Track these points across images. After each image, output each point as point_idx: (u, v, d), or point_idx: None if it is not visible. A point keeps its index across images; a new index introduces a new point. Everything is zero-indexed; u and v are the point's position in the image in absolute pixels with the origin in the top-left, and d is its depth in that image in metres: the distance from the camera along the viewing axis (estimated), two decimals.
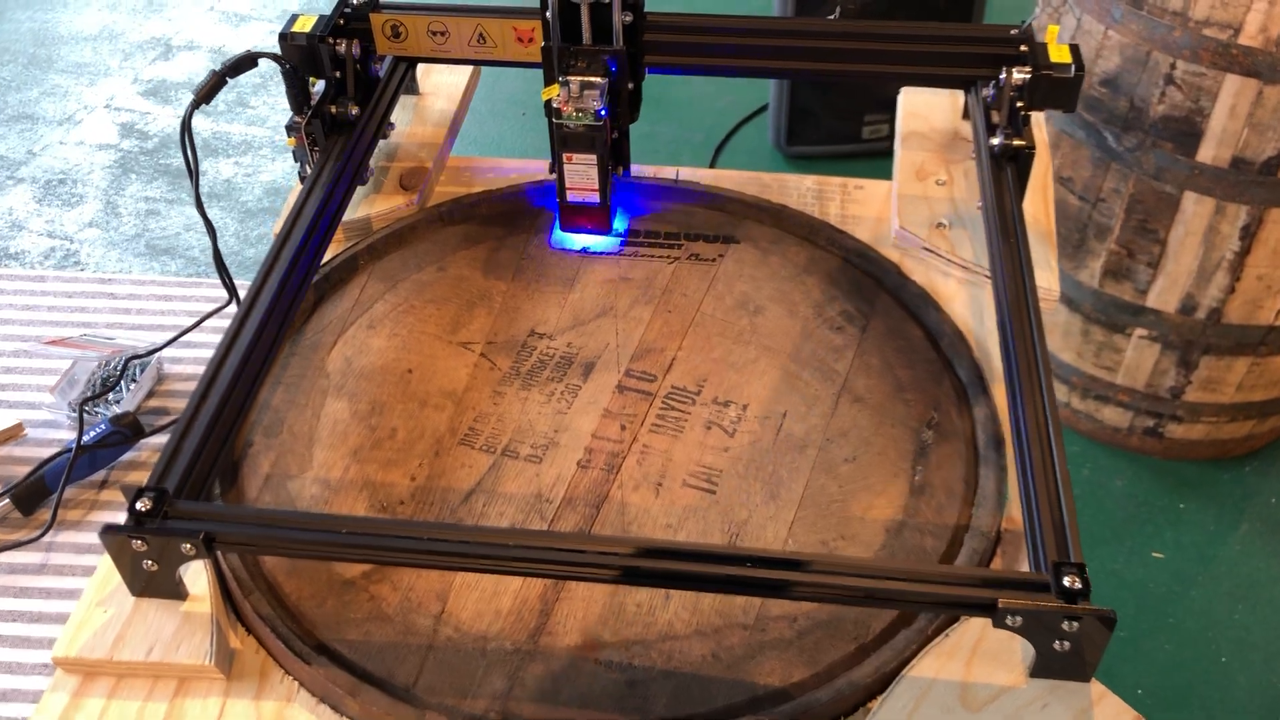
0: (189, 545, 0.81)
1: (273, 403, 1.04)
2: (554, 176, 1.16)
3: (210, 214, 2.68)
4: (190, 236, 2.57)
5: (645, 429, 1.00)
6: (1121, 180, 1.87)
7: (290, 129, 1.16)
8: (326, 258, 1.15)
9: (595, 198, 1.16)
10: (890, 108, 2.79)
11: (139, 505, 0.82)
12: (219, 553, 0.87)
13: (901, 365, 1.05)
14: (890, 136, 2.92)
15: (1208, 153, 1.74)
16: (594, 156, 1.13)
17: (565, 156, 1.13)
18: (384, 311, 1.12)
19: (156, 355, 1.53)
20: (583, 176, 1.15)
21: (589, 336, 1.09)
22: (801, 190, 1.25)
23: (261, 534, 0.82)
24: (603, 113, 1.09)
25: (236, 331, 0.98)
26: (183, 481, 0.85)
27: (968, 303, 1.11)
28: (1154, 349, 2.02)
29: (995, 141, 1.10)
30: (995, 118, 1.14)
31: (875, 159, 2.86)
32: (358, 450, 1.00)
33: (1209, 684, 1.82)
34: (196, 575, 0.87)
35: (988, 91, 1.15)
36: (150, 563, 0.82)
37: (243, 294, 1.02)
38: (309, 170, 1.17)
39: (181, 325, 1.27)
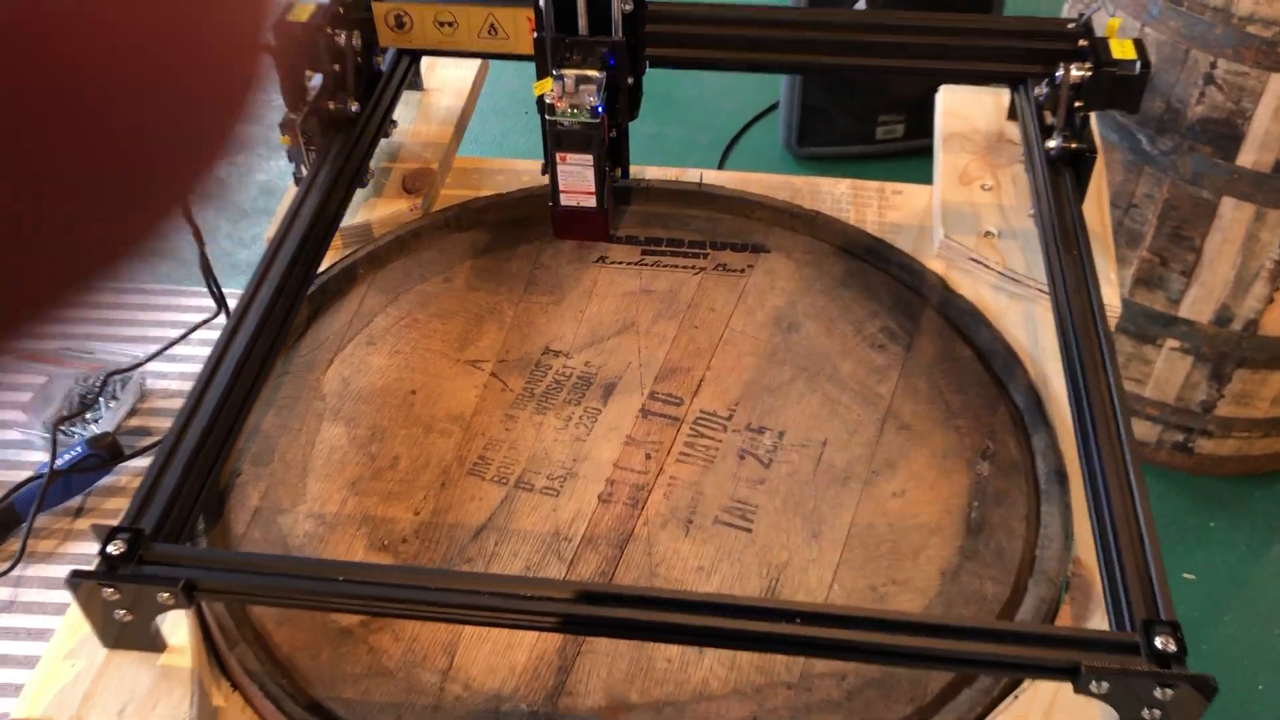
0: (167, 594, 0.71)
1: (263, 427, 0.95)
2: (547, 179, 1.07)
3: (203, 215, 2.60)
4: (186, 234, 2.48)
5: (672, 458, 0.91)
6: (1155, 185, 1.78)
7: (284, 127, 1.07)
8: (323, 267, 1.06)
9: (591, 202, 1.07)
10: (905, 108, 2.71)
11: (111, 548, 0.72)
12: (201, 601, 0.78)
13: (951, 389, 0.97)
14: (905, 138, 2.84)
15: (1248, 157, 1.66)
16: (589, 157, 1.04)
17: (559, 157, 1.04)
18: (385, 326, 1.03)
19: (139, 370, 1.42)
20: (577, 179, 1.06)
21: (609, 355, 1.00)
22: (835, 195, 1.16)
23: (248, 582, 0.73)
24: (599, 109, 1.00)
25: (224, 348, 0.89)
26: (161, 520, 0.76)
27: (1020, 319, 1.02)
28: (1185, 361, 1.94)
29: (1052, 145, 1.01)
30: (1048, 118, 1.05)
31: (889, 160, 2.77)
32: (356, 481, 0.90)
33: (1246, 713, 1.74)
34: (176, 624, 0.78)
35: (1040, 90, 1.07)
36: (124, 612, 0.73)
37: (233, 304, 0.92)
38: (304, 171, 1.08)
39: (168, 337, 1.18)
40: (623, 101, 1.06)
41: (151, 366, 1.35)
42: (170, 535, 0.76)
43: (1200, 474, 2.09)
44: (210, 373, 0.87)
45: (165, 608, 0.73)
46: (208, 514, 0.88)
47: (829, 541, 0.85)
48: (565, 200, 1.07)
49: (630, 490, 0.89)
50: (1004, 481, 0.90)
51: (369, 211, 1.12)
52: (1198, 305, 1.85)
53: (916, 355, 0.99)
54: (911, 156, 2.72)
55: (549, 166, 1.05)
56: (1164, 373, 1.96)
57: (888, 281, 1.06)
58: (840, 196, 1.16)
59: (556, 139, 1.03)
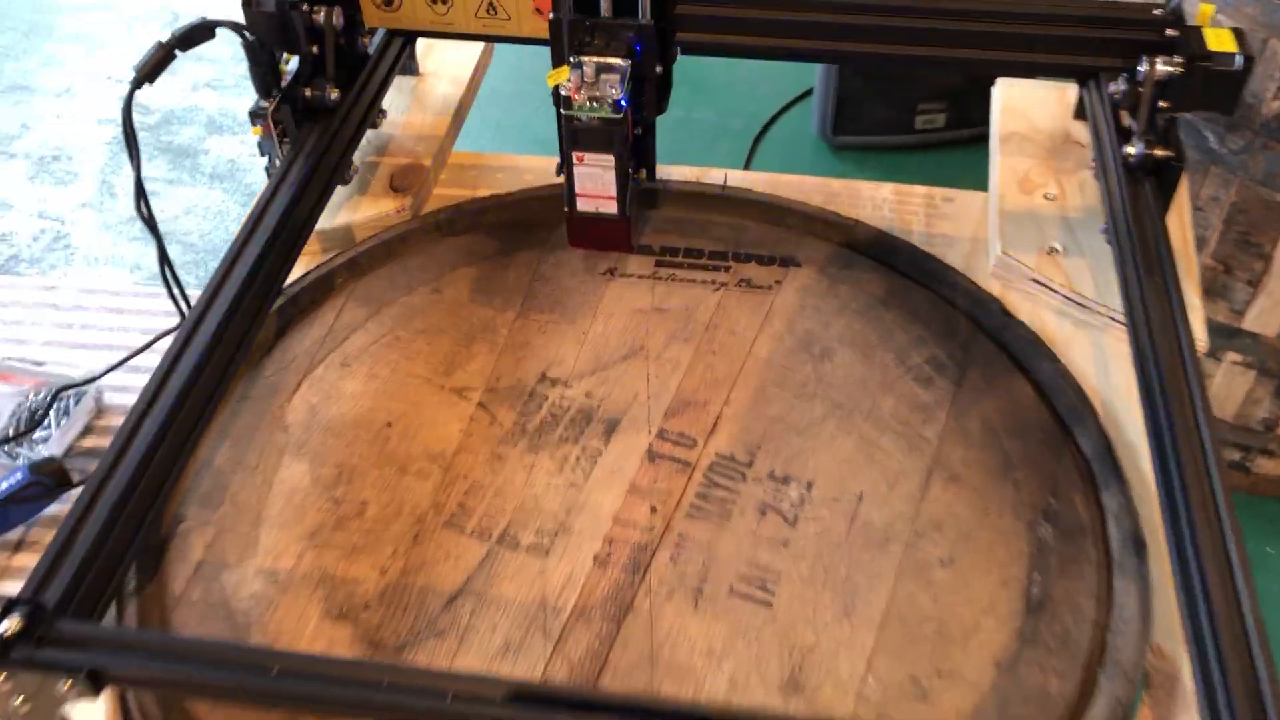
0: (69, 683, 0.60)
1: (215, 463, 0.83)
2: (562, 180, 0.94)
3: (213, 197, 2.49)
4: (190, 220, 2.37)
5: (682, 513, 0.79)
6: (1222, 186, 1.63)
7: (254, 116, 0.95)
8: (295, 275, 0.94)
9: (612, 207, 0.94)
10: (947, 96, 2.56)
11: (5, 627, 0.61)
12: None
13: (1008, 432, 0.83)
14: (946, 128, 2.68)
15: None
16: (610, 157, 0.91)
17: (575, 156, 0.92)
18: (362, 345, 0.91)
19: (94, 385, 1.28)
20: (596, 181, 0.93)
21: (613, 384, 0.87)
22: (877, 201, 1.02)
23: (166, 671, 0.61)
24: (623, 103, 0.87)
25: (167, 372, 0.77)
26: (70, 590, 0.64)
27: (1089, 351, 0.89)
28: (1248, 376, 1.80)
29: (1132, 150, 0.87)
30: (1125, 119, 0.92)
31: (929, 152, 2.62)
32: (316, 531, 0.78)
33: None
34: (93, 708, 0.66)
35: (1116, 86, 0.92)
36: (20, 702, 0.61)
37: None
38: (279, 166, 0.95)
39: (133, 345, 1.06)
40: (649, 93, 0.93)
41: (110, 380, 1.22)
42: (83, 608, 0.64)
43: (1258, 494, 1.95)
44: (148, 402, 0.75)
45: (67, 699, 0.61)
46: (143, 568, 0.76)
47: (863, 620, 0.73)
48: (582, 205, 0.95)
49: (632, 551, 0.76)
50: (1070, 548, 0.76)
51: (351, 212, 1.00)
52: (1264, 317, 1.70)
53: (968, 391, 0.86)
54: (953, 148, 2.57)
55: (564, 166, 0.93)
56: (1223, 388, 1.82)
57: (936, 303, 0.93)
58: (883, 202, 1.02)
59: (573, 136, 0.90)
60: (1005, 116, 1.07)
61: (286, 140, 0.95)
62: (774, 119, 2.71)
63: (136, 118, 0.94)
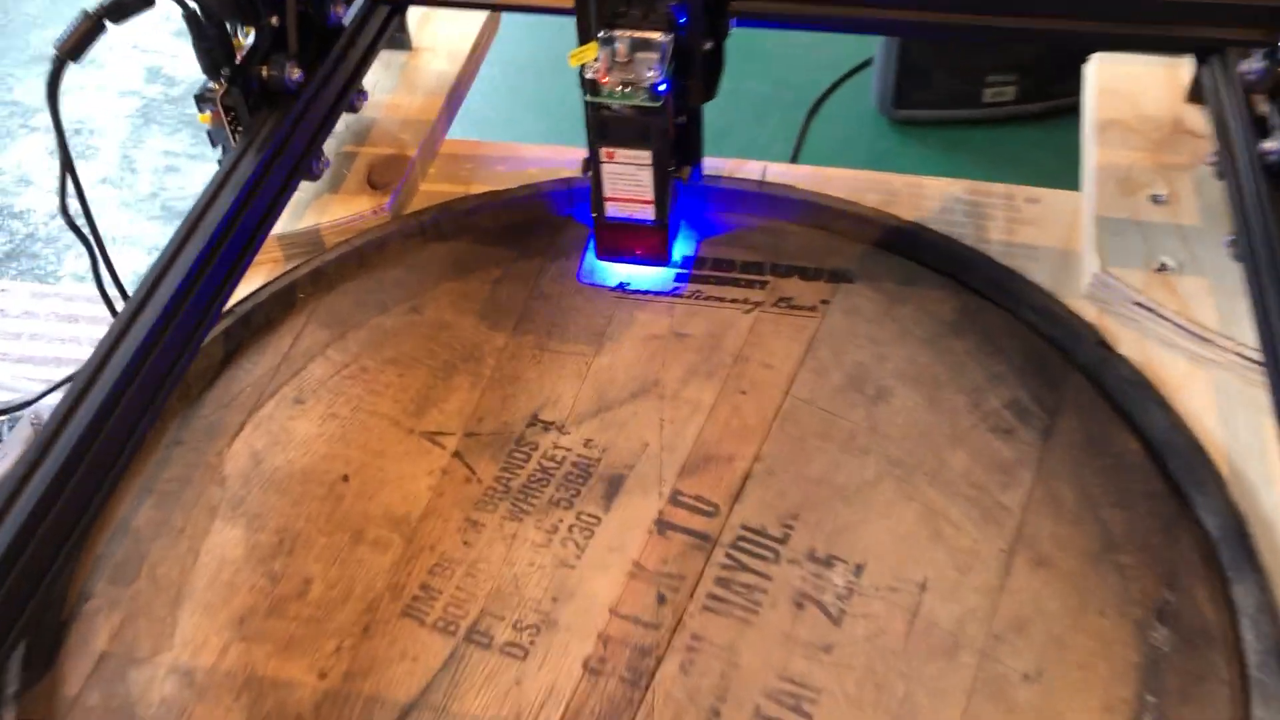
0: None
1: (135, 525, 0.69)
2: (589, 179, 0.79)
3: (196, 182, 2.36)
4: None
5: (697, 604, 0.63)
6: None
7: (201, 101, 0.80)
8: (249, 288, 0.80)
9: (648, 214, 0.78)
10: (1018, 67, 2.34)
11: None
12: None
13: (1110, 501, 0.66)
14: (1016, 101, 2.47)
15: None
16: (647, 153, 0.75)
17: (604, 153, 0.76)
18: (321, 377, 0.76)
19: (31, 409, 1.12)
20: (630, 182, 0.77)
21: (618, 430, 0.72)
22: (946, 202, 0.85)
23: None
24: (663, 88, 0.71)
25: (71, 408, 0.62)
26: None
27: (1210, 396, 0.71)
28: None
29: (1272, 146, 0.70)
30: (1259, 105, 0.74)
31: (997, 127, 2.41)
32: (247, 616, 0.64)
33: None
34: None
35: (1250, 65, 0.74)
36: None
37: None
38: None
39: (83, 359, 0.93)
40: (696, 75, 0.77)
41: (51, 402, 1.07)
42: None
43: None
44: (40, 451, 0.60)
45: None
46: (30, 661, 0.62)
47: None
48: (613, 210, 0.79)
49: (632, 655, 0.61)
50: (1192, 661, 0.60)
51: (320, 213, 0.85)
52: None
53: (1059, 446, 0.69)
54: (1024, 123, 2.37)
55: (591, 164, 0.77)
56: None
57: (1017, 331, 0.76)
58: (953, 203, 0.85)
59: (602, 127, 0.74)
60: (1102, 100, 0.89)
61: (239, 129, 0.80)
62: (831, 90, 2.52)
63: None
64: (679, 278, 0.81)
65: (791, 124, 2.46)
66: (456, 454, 0.71)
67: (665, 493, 0.68)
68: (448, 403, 0.74)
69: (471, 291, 0.81)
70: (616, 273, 0.82)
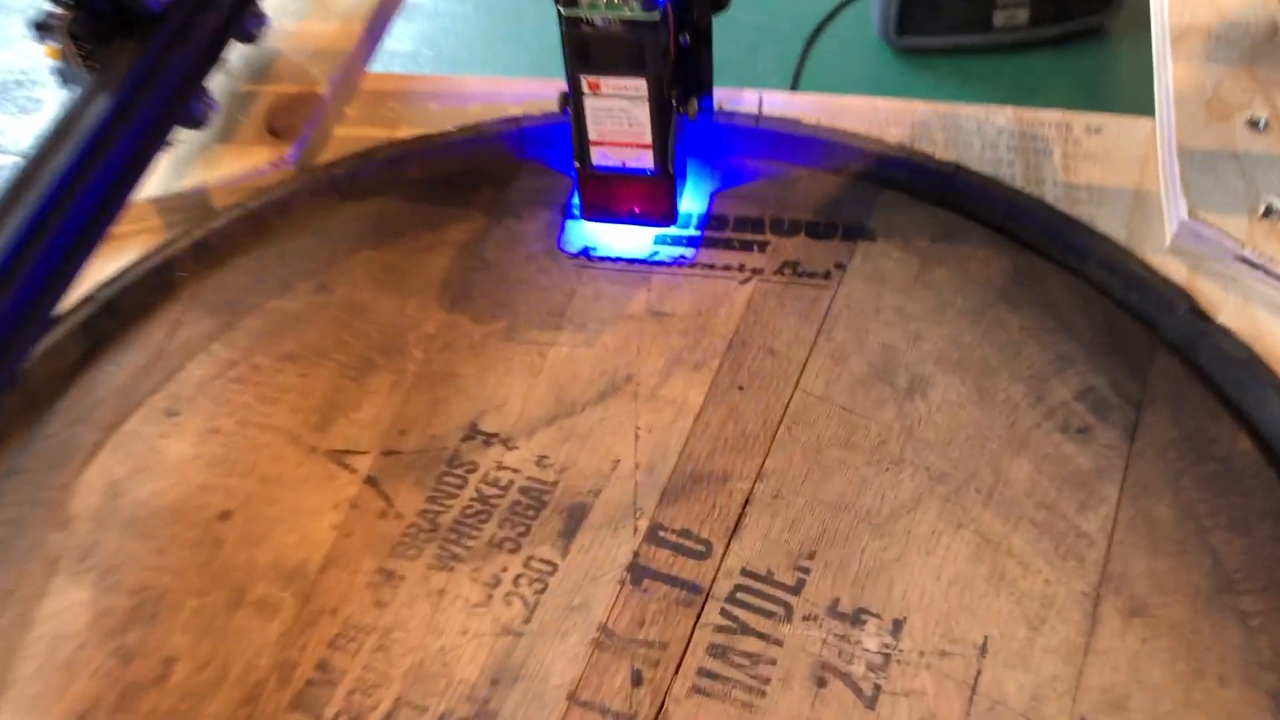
0: None
1: None
2: (567, 119, 0.62)
3: None
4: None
5: (684, 684, 0.47)
6: None
7: (42, 29, 0.63)
8: (116, 266, 0.63)
9: (645, 160, 0.62)
10: None
11: None
12: None
13: (1220, 522, 0.51)
14: (1031, 25, 2.28)
15: None
16: (642, 82, 0.58)
17: (587, 83, 0.59)
18: (202, 380, 0.60)
19: None
20: (621, 121, 0.60)
21: (581, 443, 0.56)
22: (987, 134, 0.68)
23: None
24: None
25: None
26: None
27: None
28: None
29: None
30: None
31: (1009, 54, 2.23)
32: (87, 713, 0.48)
33: None
34: None
35: None
36: None
37: None
38: None
39: None
40: None
41: None
42: None
43: None
44: None
45: None
46: None
47: None
48: (601, 158, 0.62)
49: None
50: None
51: (207, 169, 0.68)
52: None
53: (1149, 449, 0.53)
54: (1038, 50, 2.18)
55: (571, 98, 0.60)
56: None
57: (1087, 298, 0.60)
58: (996, 135, 0.68)
59: (582, 49, 0.57)
60: (1176, 2, 0.72)
61: (94, 66, 0.63)
62: (829, 18, 2.33)
63: None
64: (666, 240, 0.65)
65: (787, 56, 2.27)
66: (370, 479, 0.55)
67: (642, 527, 0.52)
68: (361, 411, 0.58)
69: (396, 263, 0.65)
70: (585, 234, 0.65)
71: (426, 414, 0.57)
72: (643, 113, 0.60)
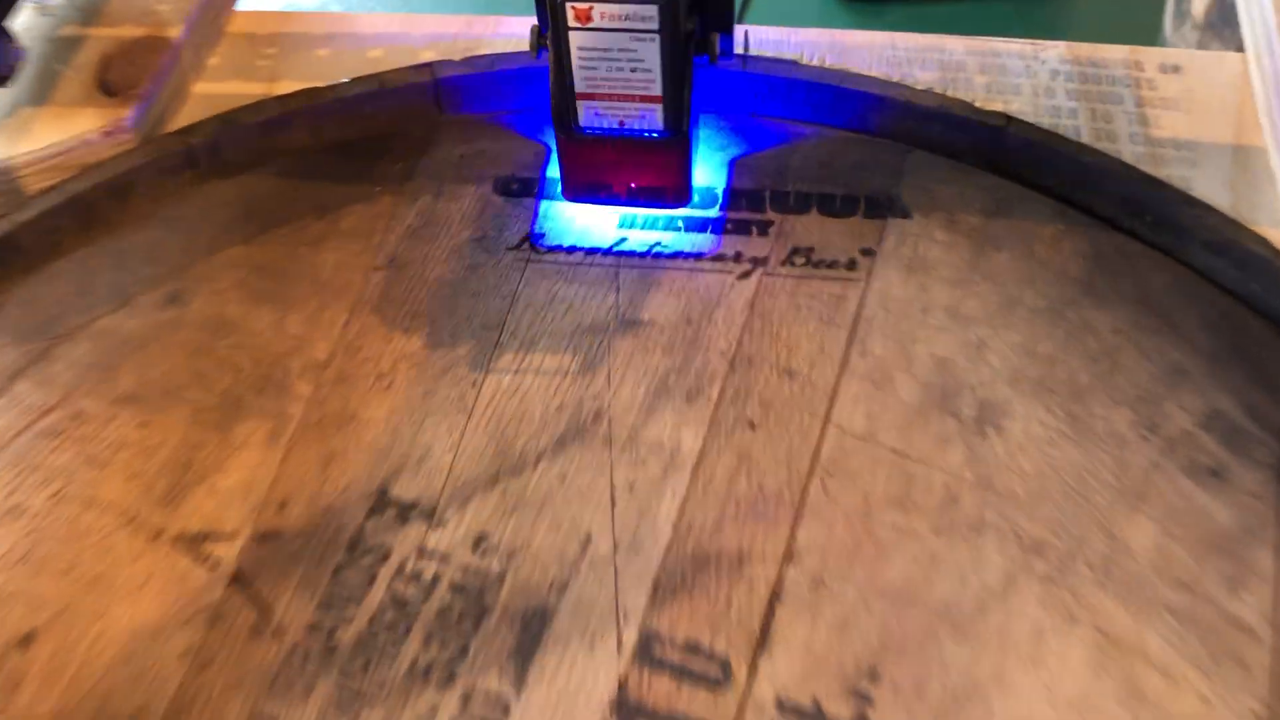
0: None
1: None
2: (543, 62, 0.45)
3: None
4: None
5: None
6: None
7: None
8: None
9: (653, 119, 0.45)
10: None
11: None
12: None
13: None
14: None
15: None
16: (653, 8, 0.42)
17: (574, 10, 0.42)
18: (3, 433, 0.43)
19: None
20: (621, 64, 0.44)
21: (533, 514, 0.40)
22: (1039, 75, 0.53)
23: None
24: None
25: None
26: None
27: None
28: None
29: None
30: None
31: (983, 2, 2.08)
32: None
33: None
34: None
35: None
36: None
37: None
38: None
39: None
40: None
41: None
42: None
43: None
44: None
45: None
46: None
47: None
48: (591, 116, 0.45)
49: None
50: None
51: (16, 139, 0.51)
52: None
53: None
54: None
55: (549, 35, 0.44)
56: None
57: (1191, 286, 0.45)
58: (1049, 79, 0.53)
59: None
60: None
61: None
62: None
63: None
64: (677, 226, 0.49)
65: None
66: (238, 578, 0.39)
67: (629, 640, 0.37)
68: (225, 474, 0.41)
69: (273, 264, 0.48)
70: (525, 214, 0.49)
71: (317, 477, 0.41)
72: (652, 53, 0.44)
